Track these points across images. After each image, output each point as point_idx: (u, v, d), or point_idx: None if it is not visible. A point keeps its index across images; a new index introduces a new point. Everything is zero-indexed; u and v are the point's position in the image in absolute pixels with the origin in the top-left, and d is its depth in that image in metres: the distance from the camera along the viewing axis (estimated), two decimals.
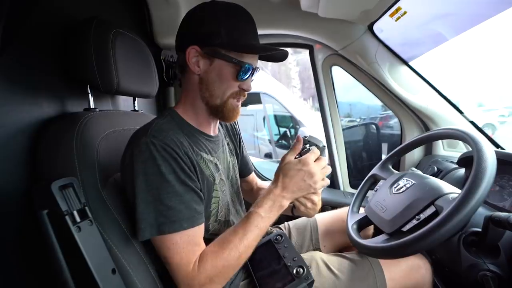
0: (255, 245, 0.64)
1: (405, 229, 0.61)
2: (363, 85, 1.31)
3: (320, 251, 0.91)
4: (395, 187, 0.72)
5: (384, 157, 0.90)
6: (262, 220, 0.63)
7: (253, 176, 1.04)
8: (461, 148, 1.20)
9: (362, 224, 0.77)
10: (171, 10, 1.16)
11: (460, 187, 0.59)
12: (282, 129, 4.12)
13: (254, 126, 4.34)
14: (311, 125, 3.58)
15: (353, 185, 1.50)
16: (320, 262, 0.77)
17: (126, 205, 0.64)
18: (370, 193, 0.86)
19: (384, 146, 1.74)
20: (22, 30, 0.63)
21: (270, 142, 4.21)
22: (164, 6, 1.15)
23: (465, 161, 0.83)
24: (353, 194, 0.90)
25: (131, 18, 1.16)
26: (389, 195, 0.72)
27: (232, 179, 0.83)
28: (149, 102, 1.32)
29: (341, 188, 1.50)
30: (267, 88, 3.69)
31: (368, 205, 0.77)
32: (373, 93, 1.30)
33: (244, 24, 0.66)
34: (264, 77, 3.81)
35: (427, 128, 1.26)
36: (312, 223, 0.98)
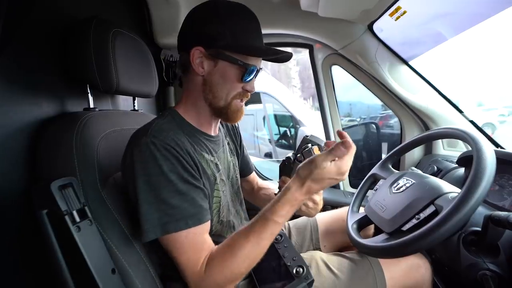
0: (266, 250, 0.61)
1: (405, 228, 0.62)
2: (363, 84, 1.31)
3: (320, 250, 0.91)
4: (395, 187, 0.72)
5: (384, 156, 0.90)
6: (278, 227, 0.60)
7: (253, 175, 1.04)
8: (461, 148, 1.20)
9: (362, 223, 0.77)
10: (171, 9, 1.16)
11: (460, 187, 0.59)
12: (282, 129, 4.12)
13: (254, 126, 4.34)
14: (311, 125, 3.58)
15: (353, 184, 1.51)
16: (320, 261, 0.77)
17: (126, 205, 0.64)
18: (370, 192, 0.86)
19: (384, 146, 1.74)
20: (21, 29, 0.63)
21: (270, 142, 4.21)
22: (164, 6, 1.15)
23: (465, 160, 0.83)
24: (353, 193, 0.90)
25: (131, 18, 1.16)
26: (389, 195, 0.72)
27: (233, 179, 0.83)
28: (149, 102, 1.32)
29: (341, 188, 1.50)
30: (267, 88, 3.69)
31: (368, 204, 0.77)
32: (373, 92, 1.30)
33: (247, 23, 0.65)
34: (264, 77, 3.81)
35: (427, 128, 1.26)
36: (312, 223, 0.99)
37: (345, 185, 1.50)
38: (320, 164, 0.56)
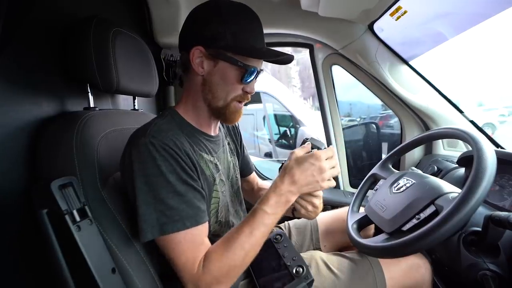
0: (262, 243, 0.62)
1: (405, 228, 0.61)
2: (363, 84, 1.31)
3: (320, 250, 0.91)
4: (395, 187, 0.72)
5: (384, 156, 0.90)
6: (268, 217, 0.61)
7: (254, 175, 1.04)
8: (461, 148, 1.20)
9: (362, 223, 0.77)
10: (171, 9, 1.16)
11: (460, 187, 0.59)
12: (282, 129, 4.12)
13: (254, 126, 4.34)
14: (311, 125, 3.58)
15: (353, 184, 1.51)
16: (320, 261, 0.77)
17: (126, 204, 0.64)
18: (370, 192, 0.86)
19: (384, 146, 1.74)
20: (21, 29, 0.63)
21: (270, 142, 4.21)
22: (164, 5, 1.15)
23: (465, 160, 0.83)
24: (353, 193, 0.90)
25: (131, 17, 1.16)
26: (389, 195, 0.72)
27: (232, 179, 0.83)
28: (149, 101, 1.32)
29: (341, 188, 1.50)
30: (267, 87, 3.69)
31: (368, 204, 0.77)
32: (373, 92, 1.30)
33: (249, 23, 0.64)
34: (264, 77, 3.79)
35: (427, 128, 1.26)
36: (312, 223, 0.99)
37: (345, 185, 1.50)
38: (296, 152, 0.65)
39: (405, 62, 1.19)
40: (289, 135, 3.98)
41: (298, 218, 0.98)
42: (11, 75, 0.61)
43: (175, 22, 1.19)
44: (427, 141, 0.97)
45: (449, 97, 1.17)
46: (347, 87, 1.67)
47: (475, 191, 0.50)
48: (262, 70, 0.69)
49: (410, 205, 0.63)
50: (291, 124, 3.93)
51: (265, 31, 0.69)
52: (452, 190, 0.61)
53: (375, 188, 0.84)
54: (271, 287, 0.67)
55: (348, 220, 0.78)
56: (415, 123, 1.29)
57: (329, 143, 1.45)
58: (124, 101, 1.04)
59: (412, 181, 0.70)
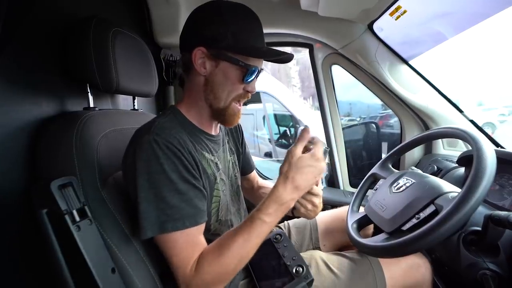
0: (257, 248, 0.61)
1: (405, 228, 0.62)
2: (363, 84, 1.31)
3: (320, 250, 0.91)
4: (395, 186, 0.72)
5: (384, 156, 0.90)
6: (266, 225, 0.59)
7: (254, 174, 1.04)
8: (461, 147, 1.20)
9: (362, 223, 0.77)
10: (171, 9, 1.16)
11: (460, 186, 0.59)
12: (282, 128, 4.12)
13: (254, 125, 4.34)
14: (311, 124, 3.58)
15: (353, 184, 1.51)
16: (320, 261, 0.77)
17: (126, 204, 0.64)
18: (370, 192, 0.86)
19: (384, 145, 1.74)
20: (21, 29, 0.63)
21: (270, 141, 4.21)
22: (164, 5, 1.15)
23: (465, 160, 0.83)
24: (353, 193, 0.91)
25: (130, 17, 1.16)
26: (389, 194, 0.72)
27: (232, 178, 0.83)
28: (149, 101, 1.32)
29: (341, 187, 1.50)
30: (267, 87, 3.69)
31: (368, 204, 0.77)
32: (373, 92, 1.30)
33: (249, 23, 0.65)
34: (264, 76, 3.80)
35: (427, 127, 1.26)
36: (312, 222, 0.99)
37: (345, 184, 1.50)
38: (294, 153, 0.60)
39: (405, 61, 1.19)
40: (289, 135, 3.98)
41: (298, 217, 0.98)
42: (11, 75, 0.61)
43: (175, 22, 1.19)
44: (427, 141, 0.97)
45: (449, 96, 1.17)
46: (347, 86, 1.68)
47: (475, 191, 0.50)
48: (262, 69, 0.70)
49: (410, 204, 0.63)
50: (291, 123, 3.93)
51: (265, 31, 0.70)
52: (452, 190, 0.61)
53: (375, 188, 0.84)
54: (271, 287, 0.67)
55: (348, 220, 0.78)
56: (415, 123, 1.29)
57: (329, 143, 1.45)
58: (124, 101, 1.04)
59: (412, 181, 0.70)
